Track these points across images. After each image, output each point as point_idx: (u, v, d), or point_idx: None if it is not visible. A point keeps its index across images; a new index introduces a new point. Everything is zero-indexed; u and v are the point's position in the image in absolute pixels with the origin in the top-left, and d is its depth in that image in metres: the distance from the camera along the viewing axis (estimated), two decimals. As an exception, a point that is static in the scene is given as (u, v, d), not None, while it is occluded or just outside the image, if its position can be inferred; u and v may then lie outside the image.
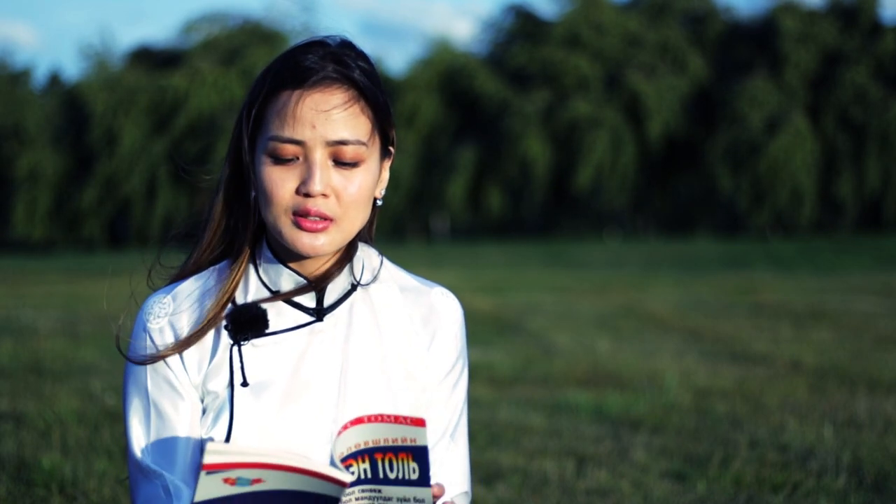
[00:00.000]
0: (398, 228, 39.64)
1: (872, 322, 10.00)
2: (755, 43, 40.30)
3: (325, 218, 1.75)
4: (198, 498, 1.51)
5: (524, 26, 42.18)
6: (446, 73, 40.46)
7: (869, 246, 27.67)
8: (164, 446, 1.81)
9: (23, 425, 4.92)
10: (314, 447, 1.78)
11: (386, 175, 1.87)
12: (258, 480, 1.52)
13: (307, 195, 1.74)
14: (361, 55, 1.81)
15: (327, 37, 1.82)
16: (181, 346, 1.81)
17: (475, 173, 39.24)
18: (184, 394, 1.81)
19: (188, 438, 1.81)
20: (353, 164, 1.77)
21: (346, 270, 1.85)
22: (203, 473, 1.49)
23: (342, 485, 1.55)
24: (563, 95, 39.38)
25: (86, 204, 38.28)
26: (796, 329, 9.50)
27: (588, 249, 29.73)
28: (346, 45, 1.81)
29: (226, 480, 1.51)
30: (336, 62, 1.77)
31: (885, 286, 14.96)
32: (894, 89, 38.44)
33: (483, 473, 4.23)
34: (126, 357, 1.86)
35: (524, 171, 38.64)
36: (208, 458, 1.48)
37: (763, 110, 37.81)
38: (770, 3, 40.98)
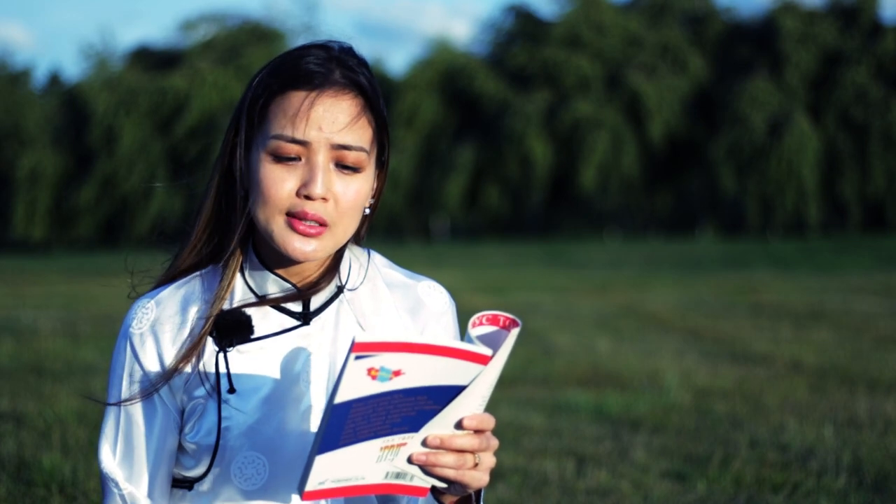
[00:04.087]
0: (398, 228, 39.63)
1: (872, 322, 10.00)
2: (755, 43, 40.30)
3: (321, 223, 1.74)
4: (341, 396, 1.51)
5: (524, 26, 42.18)
6: (446, 73, 40.45)
7: (869, 246, 27.68)
8: (130, 455, 1.81)
9: (23, 425, 4.92)
10: (304, 452, 1.77)
11: (378, 185, 1.85)
12: (398, 373, 1.53)
13: (307, 197, 1.72)
14: (363, 63, 1.80)
15: (330, 41, 1.81)
16: (173, 370, 1.78)
17: (475, 173, 39.24)
18: (157, 403, 1.80)
19: (156, 449, 1.81)
20: (355, 170, 1.76)
21: (333, 276, 1.84)
22: (352, 358, 1.49)
23: (483, 361, 1.57)
24: (563, 96, 39.39)
25: (84, 203, 38.29)
26: (796, 329, 9.50)
27: (588, 249, 29.73)
28: (349, 52, 1.80)
29: (369, 371, 1.51)
30: (343, 67, 1.77)
31: (885, 286, 14.96)
32: (895, 89, 38.43)
33: (483, 474, 4.22)
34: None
35: (525, 172, 38.64)
36: (360, 339, 1.48)
37: (764, 111, 37.81)
38: (770, 4, 41.00)
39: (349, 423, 1.54)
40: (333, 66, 1.76)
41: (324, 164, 1.73)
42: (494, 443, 1.66)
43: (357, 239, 1.91)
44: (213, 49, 40.07)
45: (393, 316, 1.87)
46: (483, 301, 12.47)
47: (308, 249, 1.74)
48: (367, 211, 1.84)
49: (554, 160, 38.84)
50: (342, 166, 1.75)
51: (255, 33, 40.57)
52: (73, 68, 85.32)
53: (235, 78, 37.78)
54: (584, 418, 5.48)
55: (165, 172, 38.31)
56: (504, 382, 6.59)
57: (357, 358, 1.49)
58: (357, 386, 1.51)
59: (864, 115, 38.28)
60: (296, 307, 1.82)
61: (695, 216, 40.58)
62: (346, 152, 1.74)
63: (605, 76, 39.97)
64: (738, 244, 31.39)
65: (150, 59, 41.33)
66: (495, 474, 4.23)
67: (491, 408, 5.56)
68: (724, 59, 40.43)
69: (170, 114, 38.60)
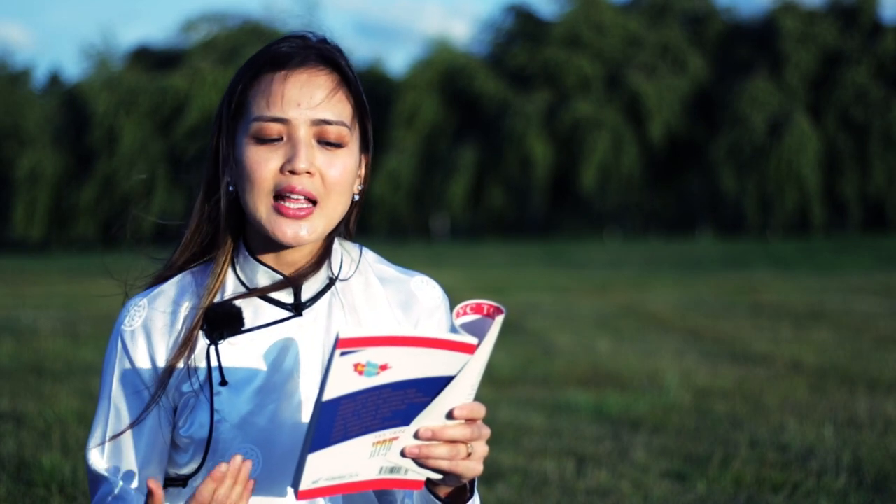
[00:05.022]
0: (398, 228, 39.63)
1: (872, 322, 10.00)
2: (755, 43, 40.29)
3: (308, 199, 1.74)
4: (329, 394, 1.50)
5: (524, 26, 42.18)
6: (446, 73, 40.45)
7: (869, 246, 27.67)
8: (119, 451, 1.81)
9: (23, 425, 4.92)
10: (298, 443, 1.76)
11: (364, 172, 1.86)
12: (385, 367, 1.52)
13: (292, 172, 1.73)
14: (338, 48, 1.83)
15: (307, 32, 1.85)
16: (172, 365, 1.78)
17: (475, 173, 39.24)
18: (148, 399, 1.80)
19: (147, 447, 1.81)
20: (338, 145, 1.77)
21: (323, 265, 1.84)
22: (337, 354, 1.48)
23: (469, 350, 1.56)
24: (563, 96, 39.39)
25: (84, 203, 38.29)
26: (796, 329, 9.49)
27: (588, 249, 29.73)
28: (324, 40, 1.84)
29: (356, 367, 1.50)
30: (318, 50, 1.80)
31: (885, 286, 14.96)
32: (895, 89, 38.43)
33: (483, 473, 4.22)
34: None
35: (525, 172, 38.64)
36: (344, 334, 1.48)
37: (764, 111, 37.81)
38: (770, 4, 41.00)
39: (339, 420, 1.53)
40: (310, 49, 1.80)
41: (306, 139, 1.75)
42: (486, 431, 1.66)
43: (347, 232, 1.91)
44: (213, 49, 40.08)
45: (385, 310, 1.87)
46: (483, 301, 12.46)
47: (300, 232, 1.75)
48: (357, 198, 1.84)
49: (554, 160, 38.83)
50: (325, 142, 1.76)
51: (256, 33, 40.53)
52: (73, 68, 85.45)
53: (235, 78, 37.72)
54: (584, 418, 5.48)
55: (165, 173, 38.33)
56: (504, 382, 6.59)
57: (342, 354, 1.49)
58: (344, 382, 1.51)
59: (864, 115, 38.28)
60: (287, 298, 1.82)
61: (695, 216, 40.58)
62: (326, 127, 1.76)
63: (605, 76, 39.97)
64: (738, 244, 31.38)
65: (150, 59, 41.34)
66: (495, 474, 4.23)
67: (491, 407, 5.56)
68: (724, 59, 40.42)
69: (170, 114, 38.60)
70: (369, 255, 1.93)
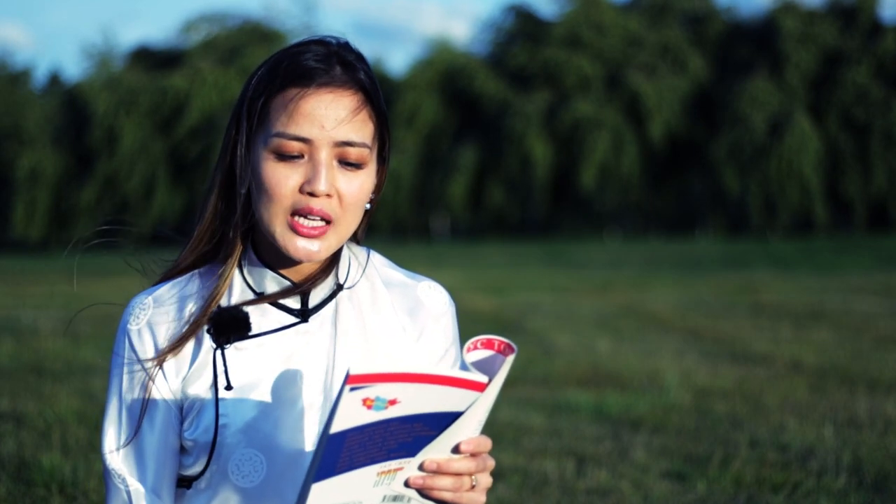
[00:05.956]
0: (398, 228, 39.62)
1: (872, 322, 10.00)
2: (755, 43, 40.30)
3: (325, 219, 1.74)
4: (336, 426, 1.50)
5: (524, 26, 42.18)
6: (447, 73, 40.45)
7: (869, 246, 27.68)
8: (134, 450, 1.80)
9: (23, 425, 4.92)
10: (302, 449, 1.76)
11: (378, 182, 1.85)
12: (394, 402, 1.52)
13: (311, 194, 1.73)
14: (361, 57, 1.81)
15: (327, 37, 1.81)
16: (166, 352, 1.78)
17: (476, 173, 39.25)
18: (158, 400, 1.79)
19: (159, 445, 1.80)
20: (357, 166, 1.76)
21: (331, 272, 1.83)
22: (347, 389, 1.48)
23: (479, 388, 1.57)
24: (563, 96, 39.39)
25: (84, 204, 38.30)
26: (796, 329, 9.50)
27: (588, 249, 29.73)
28: (346, 47, 1.80)
29: (364, 402, 1.50)
30: (342, 63, 1.77)
31: (885, 286, 14.96)
32: (895, 89, 38.45)
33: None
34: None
35: (525, 172, 38.64)
36: (355, 371, 1.48)
37: (764, 111, 37.81)
38: (770, 4, 41.00)
39: (345, 451, 1.53)
40: (333, 61, 1.76)
41: (327, 160, 1.73)
42: (490, 463, 1.67)
43: (356, 237, 1.90)
44: (213, 49, 40.09)
45: (391, 315, 1.87)
46: (483, 301, 12.47)
47: (313, 249, 1.74)
48: (368, 206, 1.84)
49: (554, 160, 38.83)
50: (345, 163, 1.75)
51: (256, 34, 40.58)
52: (73, 68, 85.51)
53: (236, 78, 37.78)
54: (584, 418, 5.48)
55: (166, 173, 38.33)
56: (504, 382, 6.59)
57: (352, 389, 1.49)
58: (352, 416, 1.51)
59: (864, 115, 38.28)
60: (294, 304, 1.82)
61: (695, 216, 40.57)
62: (348, 149, 1.74)
63: (605, 76, 39.97)
64: (739, 244, 31.38)
65: (150, 59, 41.34)
66: (495, 474, 4.23)
67: (491, 408, 5.56)
68: (724, 59, 40.42)
69: (170, 114, 38.60)
70: (377, 259, 1.92)
